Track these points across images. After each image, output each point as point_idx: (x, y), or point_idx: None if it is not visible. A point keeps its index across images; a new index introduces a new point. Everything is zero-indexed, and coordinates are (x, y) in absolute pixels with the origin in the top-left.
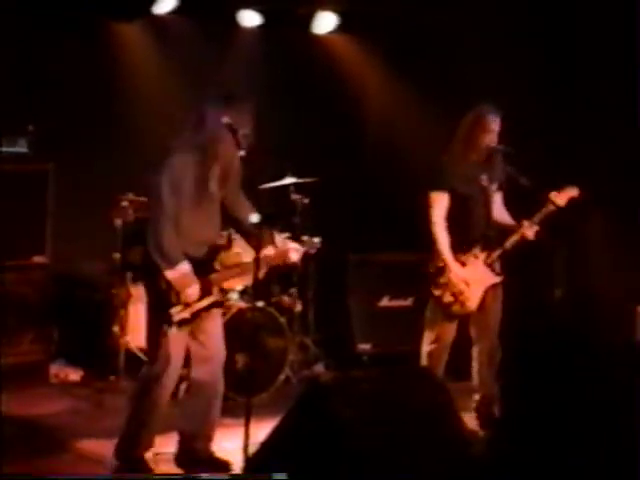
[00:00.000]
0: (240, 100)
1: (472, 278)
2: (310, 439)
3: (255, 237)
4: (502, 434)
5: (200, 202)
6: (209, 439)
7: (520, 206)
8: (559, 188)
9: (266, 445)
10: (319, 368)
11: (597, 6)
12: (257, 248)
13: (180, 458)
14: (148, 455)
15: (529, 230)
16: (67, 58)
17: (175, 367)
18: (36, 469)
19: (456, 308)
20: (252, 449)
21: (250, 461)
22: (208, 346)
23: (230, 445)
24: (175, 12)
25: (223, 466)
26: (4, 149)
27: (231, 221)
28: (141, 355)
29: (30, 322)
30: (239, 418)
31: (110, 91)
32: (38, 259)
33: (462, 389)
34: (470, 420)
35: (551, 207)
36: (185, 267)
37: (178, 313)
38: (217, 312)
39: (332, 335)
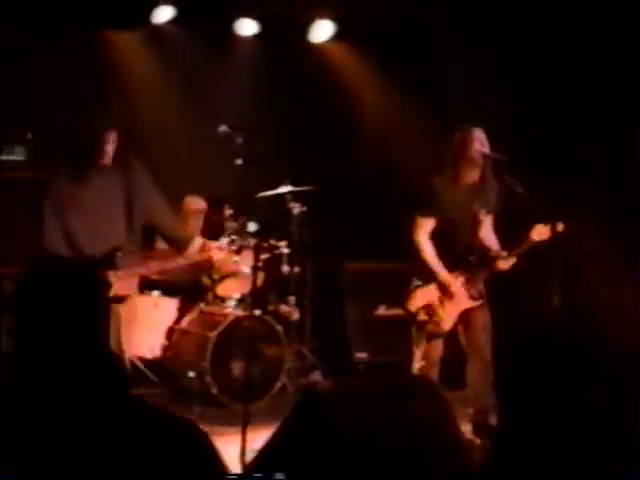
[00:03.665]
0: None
1: (447, 299)
2: (307, 447)
3: (176, 242)
4: (500, 444)
5: (91, 211)
6: None
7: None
8: (545, 221)
9: (263, 453)
10: (316, 376)
11: (591, 19)
12: (256, 256)
13: None
14: None
15: (504, 264)
16: (66, 67)
17: None
18: None
19: (431, 327)
20: (249, 457)
21: (247, 469)
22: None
23: (227, 453)
24: (173, 21)
25: None
26: (2, 157)
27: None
28: (140, 365)
29: None
30: (236, 426)
31: (108, 100)
32: None
33: (457, 398)
34: (466, 429)
35: (532, 240)
36: None
37: None
38: (131, 309)
39: (329, 343)
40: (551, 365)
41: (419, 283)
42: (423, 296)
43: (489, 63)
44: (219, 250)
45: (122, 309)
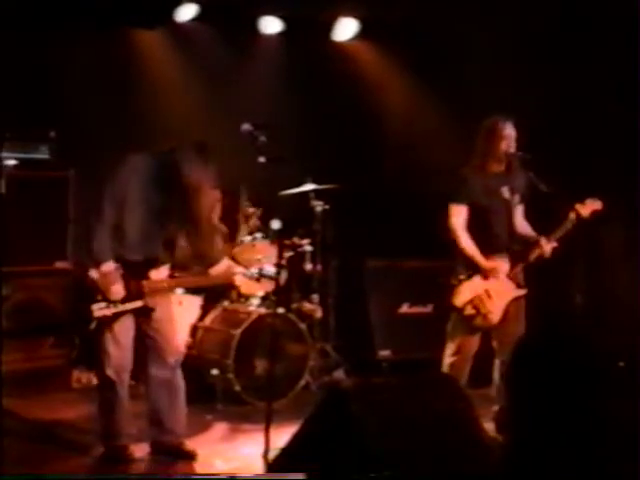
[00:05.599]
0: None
1: (494, 291)
2: (330, 445)
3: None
4: (519, 441)
5: (144, 215)
6: (172, 433)
7: (541, 217)
8: (581, 200)
9: (286, 451)
10: (339, 374)
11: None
12: (280, 254)
13: (153, 447)
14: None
15: (547, 246)
16: (89, 65)
17: (119, 363)
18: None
19: (478, 321)
20: (272, 455)
21: (270, 467)
22: (160, 343)
23: (250, 451)
24: (196, 19)
25: (188, 456)
26: (26, 155)
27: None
28: None
29: (51, 327)
30: (259, 424)
31: (131, 98)
32: (60, 265)
33: (481, 396)
34: (490, 427)
35: (572, 220)
36: (110, 267)
37: (99, 310)
38: (167, 309)
39: (352, 341)
40: (575, 359)
41: (462, 277)
42: (469, 290)
43: (513, 57)
44: (242, 276)
45: (158, 310)
